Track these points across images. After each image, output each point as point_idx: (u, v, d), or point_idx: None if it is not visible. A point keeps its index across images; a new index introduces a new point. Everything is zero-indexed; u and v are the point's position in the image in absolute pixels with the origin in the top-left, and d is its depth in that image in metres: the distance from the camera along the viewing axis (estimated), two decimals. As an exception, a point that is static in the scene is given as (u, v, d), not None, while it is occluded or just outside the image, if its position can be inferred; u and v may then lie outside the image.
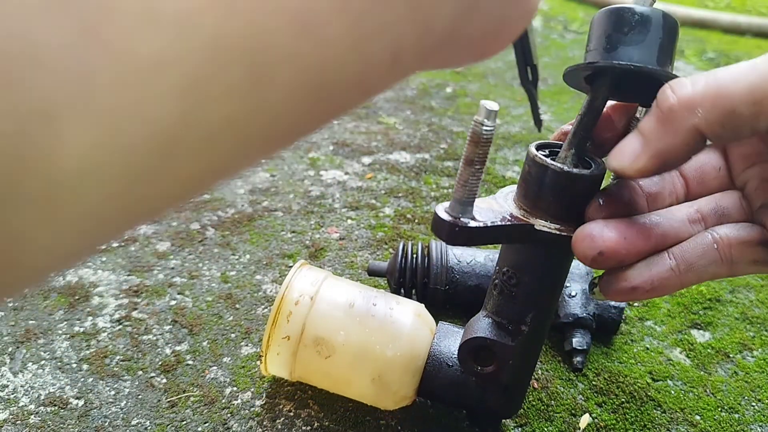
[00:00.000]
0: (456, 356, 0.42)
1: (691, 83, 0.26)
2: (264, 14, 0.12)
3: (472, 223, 0.30)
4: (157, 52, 0.11)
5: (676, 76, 0.29)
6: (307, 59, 0.13)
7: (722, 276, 0.30)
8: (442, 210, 0.31)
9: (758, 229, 0.29)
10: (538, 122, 0.33)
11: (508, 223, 0.32)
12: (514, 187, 0.35)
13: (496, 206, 0.33)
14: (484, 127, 0.28)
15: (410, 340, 0.43)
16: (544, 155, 0.32)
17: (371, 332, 0.43)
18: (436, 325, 0.46)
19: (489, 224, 0.31)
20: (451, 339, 0.44)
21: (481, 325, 0.39)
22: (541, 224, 0.32)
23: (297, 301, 0.44)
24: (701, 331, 0.57)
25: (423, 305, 0.47)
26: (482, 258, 0.56)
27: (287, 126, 0.14)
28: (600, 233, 0.29)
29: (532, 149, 0.33)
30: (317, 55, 0.13)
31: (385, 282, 0.58)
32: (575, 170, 0.31)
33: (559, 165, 0.31)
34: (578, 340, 0.51)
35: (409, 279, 0.55)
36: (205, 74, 0.11)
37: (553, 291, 0.37)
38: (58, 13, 0.10)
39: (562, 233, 0.32)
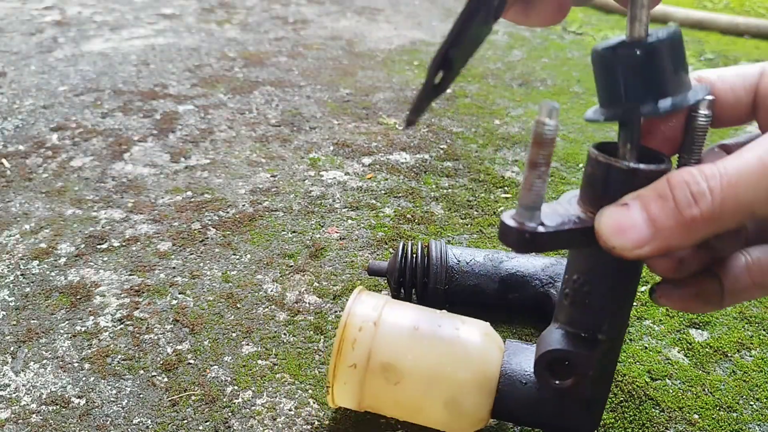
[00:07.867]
0: (529, 373, 0.40)
1: (708, 189, 0.25)
2: None
3: (541, 229, 0.29)
4: None
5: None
6: None
7: (758, 297, 0.30)
8: (509, 217, 0.29)
9: None
10: (412, 118, 0.29)
11: (579, 226, 0.30)
12: (577, 192, 0.33)
13: (561, 210, 0.31)
14: (547, 127, 0.27)
15: (481, 360, 0.41)
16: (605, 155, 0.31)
17: (440, 354, 0.41)
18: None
19: (559, 229, 0.30)
20: (521, 356, 0.42)
21: (555, 336, 0.37)
22: None
23: (360, 327, 0.42)
24: (699, 330, 0.57)
25: (488, 323, 0.45)
26: (482, 258, 0.56)
27: None
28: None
29: (593, 150, 0.31)
30: None
31: (386, 281, 0.58)
32: (642, 166, 0.30)
33: (624, 163, 0.30)
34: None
35: (408, 278, 0.55)
36: None
37: (628, 295, 0.36)
38: None
39: None
